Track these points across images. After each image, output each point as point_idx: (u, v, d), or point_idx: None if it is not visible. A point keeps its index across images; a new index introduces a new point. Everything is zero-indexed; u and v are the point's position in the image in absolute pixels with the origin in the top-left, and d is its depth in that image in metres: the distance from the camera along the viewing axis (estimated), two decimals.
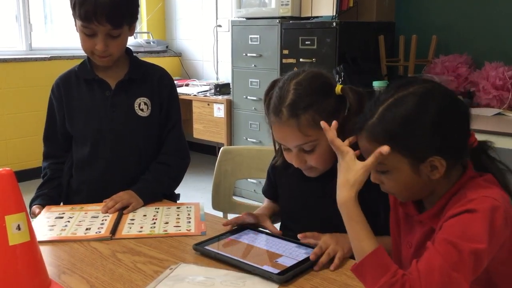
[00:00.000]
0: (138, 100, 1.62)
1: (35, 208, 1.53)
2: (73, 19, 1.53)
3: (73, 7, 1.49)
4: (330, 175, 1.17)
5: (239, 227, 1.30)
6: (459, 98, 1.00)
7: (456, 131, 0.96)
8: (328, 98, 1.20)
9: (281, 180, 1.40)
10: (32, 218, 1.45)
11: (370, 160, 0.97)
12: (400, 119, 0.94)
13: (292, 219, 1.36)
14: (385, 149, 0.95)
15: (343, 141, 1.04)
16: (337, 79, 2.93)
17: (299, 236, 1.18)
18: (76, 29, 1.53)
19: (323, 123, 1.06)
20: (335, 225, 1.06)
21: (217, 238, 1.23)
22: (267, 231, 1.31)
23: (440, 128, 0.94)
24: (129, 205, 1.48)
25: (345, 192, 0.98)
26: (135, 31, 1.64)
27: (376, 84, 2.83)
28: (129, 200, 1.49)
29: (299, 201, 1.34)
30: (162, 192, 1.62)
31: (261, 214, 1.35)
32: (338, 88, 1.20)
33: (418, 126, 0.94)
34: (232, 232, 1.27)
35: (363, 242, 0.95)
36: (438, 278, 0.86)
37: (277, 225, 1.40)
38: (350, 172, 0.99)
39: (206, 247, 1.17)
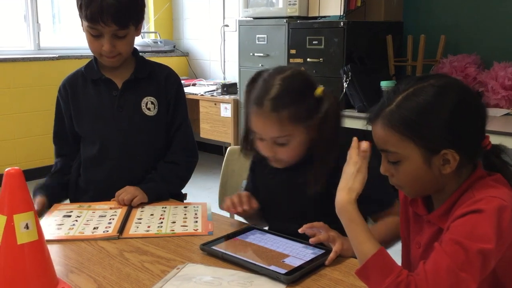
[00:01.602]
0: (145, 99, 1.62)
1: (36, 203, 1.51)
2: (79, 19, 1.54)
3: (79, 8, 1.50)
4: (300, 167, 1.26)
5: (246, 227, 1.30)
6: (477, 94, 1.00)
7: (472, 127, 0.96)
8: (308, 97, 1.24)
9: (253, 177, 1.45)
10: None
11: (363, 167, 1.00)
12: (418, 108, 0.94)
13: (271, 213, 1.40)
14: (364, 145, 1.00)
15: (310, 140, 1.12)
16: (344, 79, 2.92)
17: (304, 228, 1.19)
18: (83, 29, 1.54)
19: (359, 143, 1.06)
20: (306, 218, 1.07)
21: (224, 238, 1.23)
22: (273, 231, 1.31)
23: (457, 122, 0.94)
24: (135, 197, 1.50)
25: (344, 195, 0.99)
26: (143, 31, 1.65)
27: (384, 84, 2.82)
28: (135, 193, 1.52)
29: (272, 195, 1.38)
30: (170, 190, 1.62)
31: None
32: (319, 90, 1.25)
33: (435, 117, 0.94)
34: (238, 232, 1.27)
35: (364, 244, 0.95)
36: (445, 279, 0.85)
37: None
38: (353, 180, 1.00)
39: (213, 247, 1.17)
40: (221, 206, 1.36)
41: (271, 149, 1.26)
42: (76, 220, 1.40)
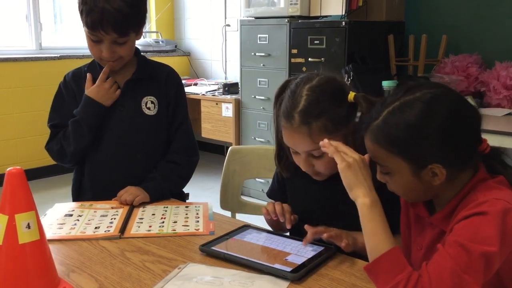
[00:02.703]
0: (145, 99, 1.63)
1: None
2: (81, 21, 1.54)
3: (80, 13, 1.50)
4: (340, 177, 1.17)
5: (241, 227, 1.30)
6: (469, 103, 0.98)
7: (462, 140, 0.95)
8: (340, 105, 1.19)
9: (290, 182, 1.39)
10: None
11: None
12: (403, 126, 0.94)
13: (303, 220, 1.35)
14: (323, 142, 1.06)
15: (352, 147, 1.07)
16: (346, 78, 2.92)
17: (306, 227, 1.18)
18: (84, 32, 1.54)
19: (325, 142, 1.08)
20: (346, 225, 1.06)
21: (221, 238, 1.23)
22: (269, 229, 1.31)
23: (444, 138, 0.93)
24: (136, 197, 1.50)
25: (362, 201, 1.00)
26: (144, 30, 1.65)
27: (386, 84, 2.82)
28: (137, 193, 1.51)
29: (311, 202, 1.33)
30: (170, 189, 1.62)
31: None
32: (351, 95, 1.18)
33: (420, 134, 0.93)
34: (234, 232, 1.27)
35: (381, 239, 0.95)
36: (449, 281, 0.85)
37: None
38: (358, 180, 1.02)
39: (214, 248, 1.17)
40: (263, 209, 1.31)
41: (308, 162, 1.21)
42: (78, 220, 1.40)
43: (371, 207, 0.99)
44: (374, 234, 0.97)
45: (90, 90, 1.58)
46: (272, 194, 1.47)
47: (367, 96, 1.19)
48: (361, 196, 1.01)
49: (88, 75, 1.60)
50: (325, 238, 1.15)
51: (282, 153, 1.32)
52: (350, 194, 1.03)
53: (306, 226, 1.18)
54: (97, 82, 1.58)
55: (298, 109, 1.17)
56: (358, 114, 1.20)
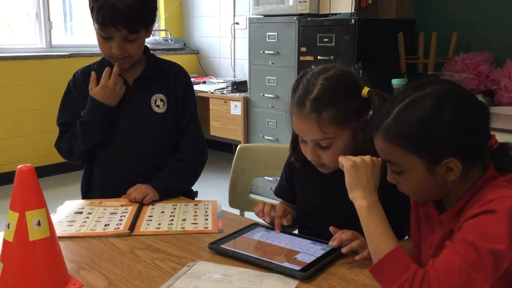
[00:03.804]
0: (154, 97, 1.63)
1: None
2: (91, 18, 1.54)
3: (91, 10, 1.50)
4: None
5: (250, 225, 1.30)
6: (478, 99, 0.98)
7: (474, 133, 0.95)
8: (352, 99, 1.19)
9: (299, 179, 1.39)
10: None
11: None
12: (415, 121, 0.93)
13: (311, 218, 1.35)
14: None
15: (361, 144, 1.07)
16: None
17: (331, 228, 1.16)
18: (94, 29, 1.55)
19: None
20: (355, 225, 1.06)
21: (230, 237, 1.23)
22: None
23: (456, 131, 0.93)
24: (146, 196, 1.50)
25: (359, 202, 1.01)
26: (153, 29, 1.65)
27: (395, 82, 2.81)
28: (146, 192, 1.52)
29: (319, 200, 1.33)
30: (179, 188, 1.63)
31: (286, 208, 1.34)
32: (365, 90, 1.19)
33: (433, 129, 0.93)
34: (243, 230, 1.27)
35: (383, 240, 0.95)
36: (457, 278, 0.84)
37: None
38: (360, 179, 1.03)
39: (222, 246, 1.17)
40: (255, 209, 1.32)
41: (314, 152, 1.21)
42: (88, 217, 1.41)
43: (369, 210, 1.00)
44: (375, 236, 0.98)
45: (95, 91, 1.57)
46: (280, 192, 1.47)
47: (382, 93, 1.19)
48: (359, 198, 1.02)
49: (93, 74, 1.59)
50: (344, 251, 1.11)
51: (296, 143, 1.32)
52: (350, 195, 1.04)
53: (331, 228, 1.16)
54: (101, 82, 1.57)
55: (310, 96, 1.17)
56: (370, 113, 1.20)
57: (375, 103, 1.17)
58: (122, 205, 1.50)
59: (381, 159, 1.04)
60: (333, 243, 1.13)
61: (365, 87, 1.20)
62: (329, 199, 1.30)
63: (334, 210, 1.28)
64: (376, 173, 1.04)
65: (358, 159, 1.04)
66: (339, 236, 1.13)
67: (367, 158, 1.05)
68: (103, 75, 1.57)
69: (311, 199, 1.35)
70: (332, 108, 1.16)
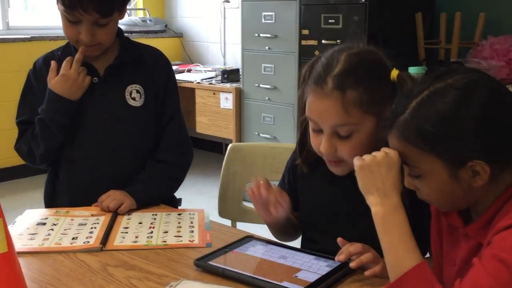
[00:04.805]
0: (129, 88, 1.63)
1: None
2: None
3: None
4: None
5: (243, 238, 1.30)
6: (509, 90, 0.99)
7: (504, 130, 0.95)
8: (381, 81, 1.18)
9: (304, 185, 1.38)
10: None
11: None
12: (436, 117, 0.93)
13: (317, 230, 1.35)
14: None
15: (378, 139, 1.06)
16: None
17: (338, 240, 1.16)
18: (59, 10, 1.53)
19: None
20: (371, 237, 1.05)
21: (220, 251, 1.23)
22: (276, 240, 1.30)
23: (484, 128, 0.93)
24: (121, 204, 1.50)
25: (377, 209, 1.01)
26: (129, 7, 1.65)
27: (413, 71, 2.81)
28: (122, 199, 1.51)
29: (328, 209, 1.33)
30: (160, 194, 1.63)
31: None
32: (394, 73, 1.18)
33: (457, 126, 0.93)
34: (235, 244, 1.27)
35: (402, 254, 0.95)
36: None
37: (296, 242, 1.40)
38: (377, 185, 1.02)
39: (211, 263, 1.17)
40: (248, 191, 1.29)
41: (331, 143, 1.18)
42: (52, 229, 1.40)
43: (385, 218, 1.00)
44: (392, 249, 0.98)
45: (54, 82, 1.56)
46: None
47: (411, 75, 1.18)
48: (373, 205, 1.01)
49: (53, 63, 1.58)
50: (353, 267, 1.12)
51: (305, 141, 1.30)
52: (367, 201, 1.04)
53: (339, 240, 1.16)
54: (61, 71, 1.56)
55: (333, 73, 1.16)
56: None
57: (407, 86, 1.15)
58: (92, 215, 1.50)
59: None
60: (340, 257, 1.13)
61: (394, 69, 1.19)
62: (342, 209, 1.30)
63: (348, 222, 1.27)
64: (394, 171, 1.01)
65: (367, 157, 1.04)
66: (346, 249, 1.13)
67: (379, 154, 1.02)
68: (63, 63, 1.56)
69: (318, 209, 1.35)
70: (358, 87, 1.14)
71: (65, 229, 1.40)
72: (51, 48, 1.71)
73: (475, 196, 0.98)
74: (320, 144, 1.20)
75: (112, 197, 1.52)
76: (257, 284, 1.09)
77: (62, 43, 1.69)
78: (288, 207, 1.28)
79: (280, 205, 1.26)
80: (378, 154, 1.03)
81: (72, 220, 1.47)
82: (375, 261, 1.10)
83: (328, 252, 1.20)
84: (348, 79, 1.15)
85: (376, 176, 1.02)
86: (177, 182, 1.71)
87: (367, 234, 1.06)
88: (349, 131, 1.17)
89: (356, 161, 1.05)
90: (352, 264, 1.11)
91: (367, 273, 1.09)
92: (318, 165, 1.28)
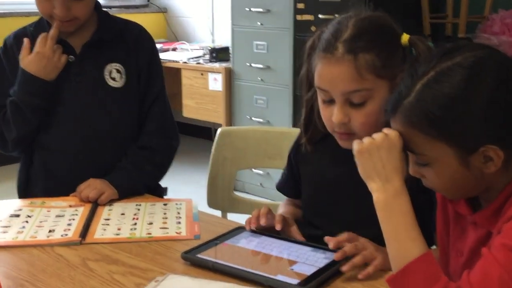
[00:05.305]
0: (108, 67, 1.63)
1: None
2: None
3: None
4: None
5: (234, 229, 1.31)
6: None
7: None
8: (392, 45, 1.22)
9: (307, 167, 1.40)
10: None
11: None
12: (444, 99, 0.93)
13: (319, 215, 1.37)
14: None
15: None
16: None
17: (325, 239, 1.17)
18: None
19: None
20: (375, 222, 1.06)
21: (210, 243, 1.24)
22: (269, 232, 1.31)
23: (496, 110, 0.93)
24: (102, 194, 1.50)
25: (378, 196, 1.01)
26: None
27: None
28: (102, 189, 1.52)
29: (330, 191, 1.34)
30: (144, 183, 1.63)
31: (288, 217, 1.35)
32: (405, 37, 1.22)
33: (467, 108, 0.93)
34: (225, 235, 1.28)
35: (406, 244, 0.96)
36: None
37: None
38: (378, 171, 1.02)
39: (199, 256, 1.18)
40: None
41: (343, 111, 1.19)
42: (27, 221, 1.40)
43: (386, 204, 1.00)
44: (394, 238, 0.98)
45: (27, 61, 1.56)
46: (282, 185, 1.49)
47: (423, 39, 1.22)
48: (375, 191, 1.02)
49: (25, 40, 1.57)
50: (337, 258, 1.13)
51: (311, 118, 1.33)
52: (368, 187, 1.04)
53: (326, 238, 1.17)
54: (34, 49, 1.55)
55: (343, 38, 1.19)
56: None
57: (419, 48, 1.20)
58: (70, 206, 1.50)
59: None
60: (336, 255, 1.13)
61: (404, 33, 1.23)
62: (345, 191, 1.31)
63: (351, 205, 1.29)
64: (395, 154, 1.01)
65: (366, 140, 1.04)
66: (335, 241, 1.14)
67: (378, 136, 1.03)
68: (37, 40, 1.56)
69: (321, 191, 1.37)
70: (370, 50, 1.18)
71: (41, 221, 1.40)
72: (23, 24, 1.69)
73: (486, 183, 0.98)
74: (331, 116, 1.21)
75: (92, 186, 1.52)
76: (249, 278, 1.10)
77: (35, 19, 1.68)
78: (297, 233, 1.31)
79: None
80: (377, 136, 1.03)
81: (48, 211, 1.47)
82: (371, 257, 1.11)
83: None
84: (360, 43, 1.18)
85: (376, 160, 1.02)
86: (163, 170, 1.71)
87: (370, 218, 1.07)
88: (363, 98, 1.19)
89: (355, 145, 1.05)
90: (343, 268, 1.10)
91: (360, 276, 1.10)
92: (321, 146, 1.30)
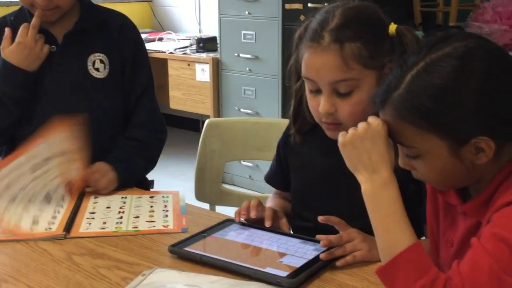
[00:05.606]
0: (92, 57, 1.62)
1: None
2: None
3: None
4: None
5: (222, 221, 1.32)
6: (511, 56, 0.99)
7: (509, 102, 0.96)
8: (379, 35, 1.23)
9: (296, 158, 1.41)
10: None
11: None
12: (434, 91, 0.94)
13: (308, 207, 1.38)
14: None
15: None
16: None
17: (319, 218, 1.19)
18: None
19: None
20: (365, 214, 1.07)
21: (197, 237, 1.24)
22: (257, 226, 1.32)
23: (487, 101, 0.93)
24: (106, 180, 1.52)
25: (366, 187, 1.01)
26: None
27: None
28: (106, 172, 1.53)
29: (320, 182, 1.36)
30: (136, 175, 1.64)
31: (277, 210, 1.35)
32: (393, 27, 1.24)
33: (458, 99, 0.93)
34: (213, 228, 1.29)
35: (394, 234, 0.96)
36: (486, 284, 0.87)
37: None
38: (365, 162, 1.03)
39: (187, 249, 1.18)
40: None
41: (330, 101, 1.21)
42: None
43: (374, 195, 1.00)
44: (384, 229, 0.99)
45: (9, 51, 1.55)
46: (270, 177, 1.50)
47: (411, 29, 1.24)
48: (362, 182, 1.02)
49: (7, 30, 1.57)
50: (323, 245, 1.15)
51: (300, 109, 1.34)
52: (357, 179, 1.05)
53: (318, 237, 1.18)
54: (16, 39, 1.55)
55: (329, 27, 1.20)
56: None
57: (407, 38, 1.22)
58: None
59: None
60: (322, 242, 1.14)
61: (392, 23, 1.24)
62: (335, 183, 1.32)
63: (341, 197, 1.30)
64: (380, 143, 1.01)
65: (349, 132, 1.04)
66: (327, 240, 1.15)
67: (360, 127, 1.03)
68: (20, 30, 1.55)
69: (311, 182, 1.37)
70: (356, 40, 1.19)
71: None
72: (2, 13, 1.68)
73: (478, 174, 0.99)
74: (318, 106, 1.22)
75: (100, 171, 1.52)
76: (238, 271, 1.10)
77: (16, 8, 1.67)
78: (287, 226, 1.32)
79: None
80: (359, 127, 1.03)
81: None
82: (352, 251, 1.13)
83: (320, 230, 1.21)
84: (346, 32, 1.19)
85: (361, 152, 1.02)
86: (152, 163, 1.72)
87: (360, 209, 1.08)
88: (350, 87, 1.20)
89: (339, 138, 1.06)
90: (322, 256, 1.12)
91: (338, 263, 1.12)
92: (310, 137, 1.31)
